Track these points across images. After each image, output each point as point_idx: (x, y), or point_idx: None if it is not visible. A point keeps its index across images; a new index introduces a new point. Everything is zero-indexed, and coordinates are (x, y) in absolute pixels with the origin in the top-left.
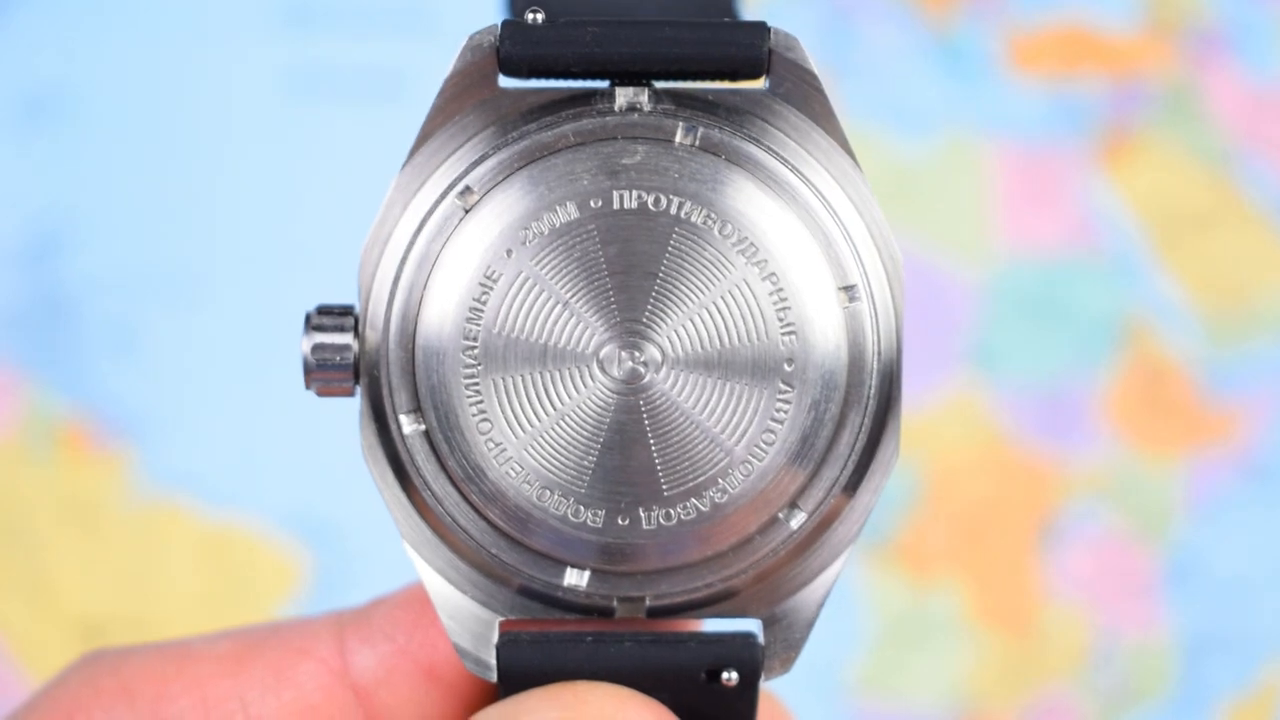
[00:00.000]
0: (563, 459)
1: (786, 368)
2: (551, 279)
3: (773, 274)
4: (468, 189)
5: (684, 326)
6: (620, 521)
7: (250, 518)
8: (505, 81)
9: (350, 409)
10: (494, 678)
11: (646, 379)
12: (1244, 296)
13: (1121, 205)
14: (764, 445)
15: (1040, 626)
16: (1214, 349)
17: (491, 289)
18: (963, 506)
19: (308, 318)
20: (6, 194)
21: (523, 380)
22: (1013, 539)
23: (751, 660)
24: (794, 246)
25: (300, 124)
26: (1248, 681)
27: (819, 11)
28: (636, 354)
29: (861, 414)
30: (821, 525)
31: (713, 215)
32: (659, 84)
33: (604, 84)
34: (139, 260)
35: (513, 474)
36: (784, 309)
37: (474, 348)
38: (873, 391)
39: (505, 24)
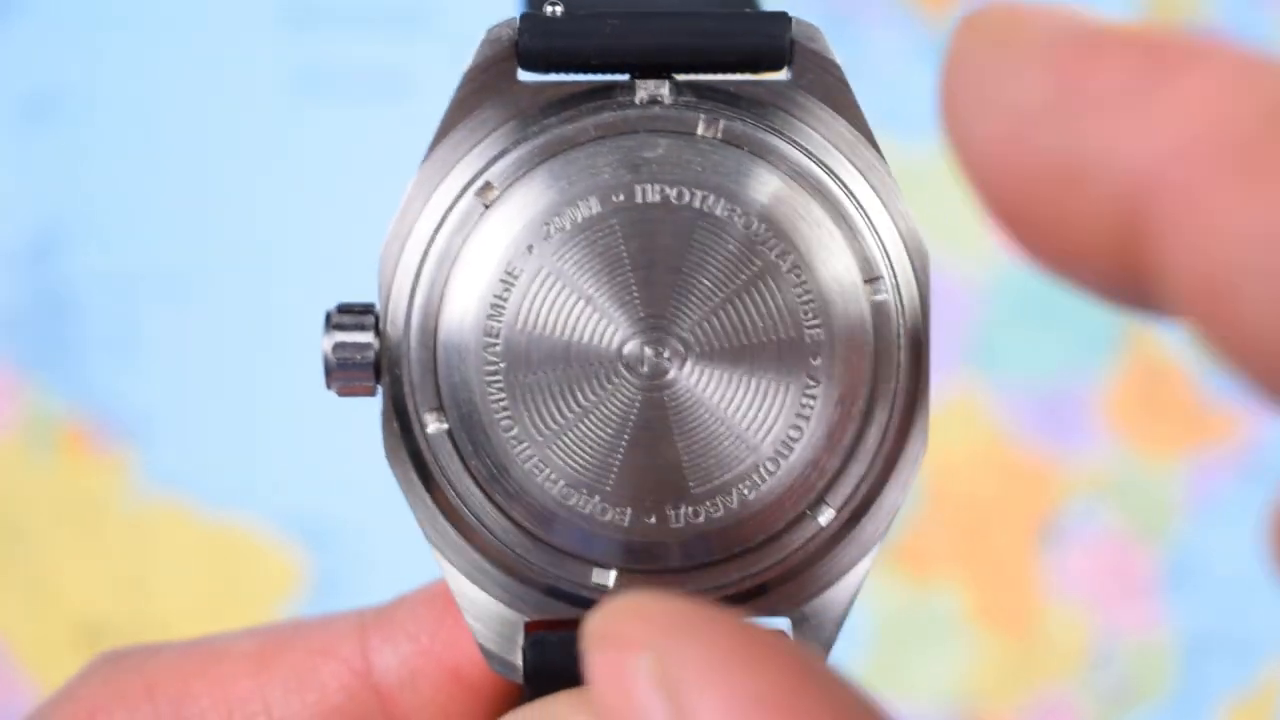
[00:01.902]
0: (587, 456)
1: (813, 362)
2: (574, 274)
3: (797, 267)
4: (488, 184)
5: (708, 321)
6: (647, 520)
7: (251, 519)
8: (524, 75)
9: (352, 412)
10: (520, 679)
11: (671, 374)
12: None
13: None
14: (791, 441)
15: (1040, 626)
16: None
17: (513, 285)
18: (963, 506)
19: (328, 316)
20: (6, 194)
21: (546, 378)
22: (1013, 539)
23: None
24: (818, 239)
25: (301, 123)
26: (1248, 681)
27: (818, 11)
28: (661, 349)
29: (889, 409)
30: (850, 522)
31: (736, 208)
32: (680, 76)
33: (625, 77)
34: (139, 260)
35: (537, 472)
36: (809, 302)
37: (496, 345)
38: (900, 386)
39: (524, 17)
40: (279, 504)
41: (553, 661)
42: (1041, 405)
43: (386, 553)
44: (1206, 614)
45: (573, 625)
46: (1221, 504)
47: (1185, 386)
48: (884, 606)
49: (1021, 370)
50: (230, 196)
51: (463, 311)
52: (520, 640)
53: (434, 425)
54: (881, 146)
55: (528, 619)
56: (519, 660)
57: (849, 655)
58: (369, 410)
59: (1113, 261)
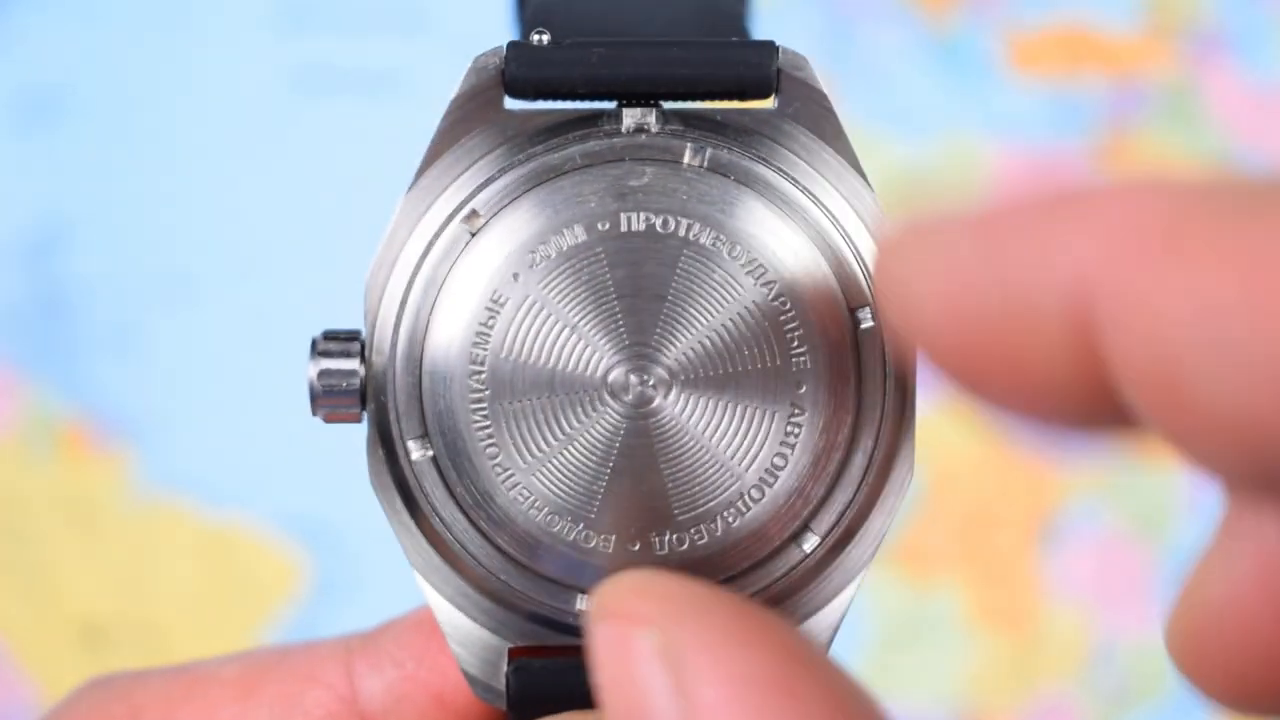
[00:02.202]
0: (572, 484)
1: (798, 390)
2: (559, 303)
3: (783, 295)
4: (474, 212)
5: (693, 349)
6: (631, 547)
7: (251, 519)
8: (511, 104)
9: None
10: (504, 705)
11: (656, 403)
12: None
13: None
14: (775, 469)
15: (1040, 626)
16: None
17: (498, 313)
18: (963, 507)
19: (314, 343)
20: (6, 194)
21: (531, 405)
22: (1013, 539)
23: None
24: (804, 267)
25: (300, 123)
26: None
27: (818, 12)
28: (645, 378)
29: (874, 436)
30: (835, 549)
31: (722, 237)
32: (667, 105)
33: (612, 105)
34: (139, 260)
35: (521, 499)
36: (794, 331)
37: (481, 372)
38: (886, 413)
39: (510, 46)
40: (279, 504)
41: (536, 687)
42: None
43: (386, 553)
44: None
45: (556, 651)
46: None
47: None
48: (884, 606)
49: None
50: (230, 196)
51: (448, 339)
52: (504, 666)
53: (419, 452)
54: (881, 148)
55: (511, 645)
56: (503, 686)
57: (849, 655)
58: None
59: (1074, 380)
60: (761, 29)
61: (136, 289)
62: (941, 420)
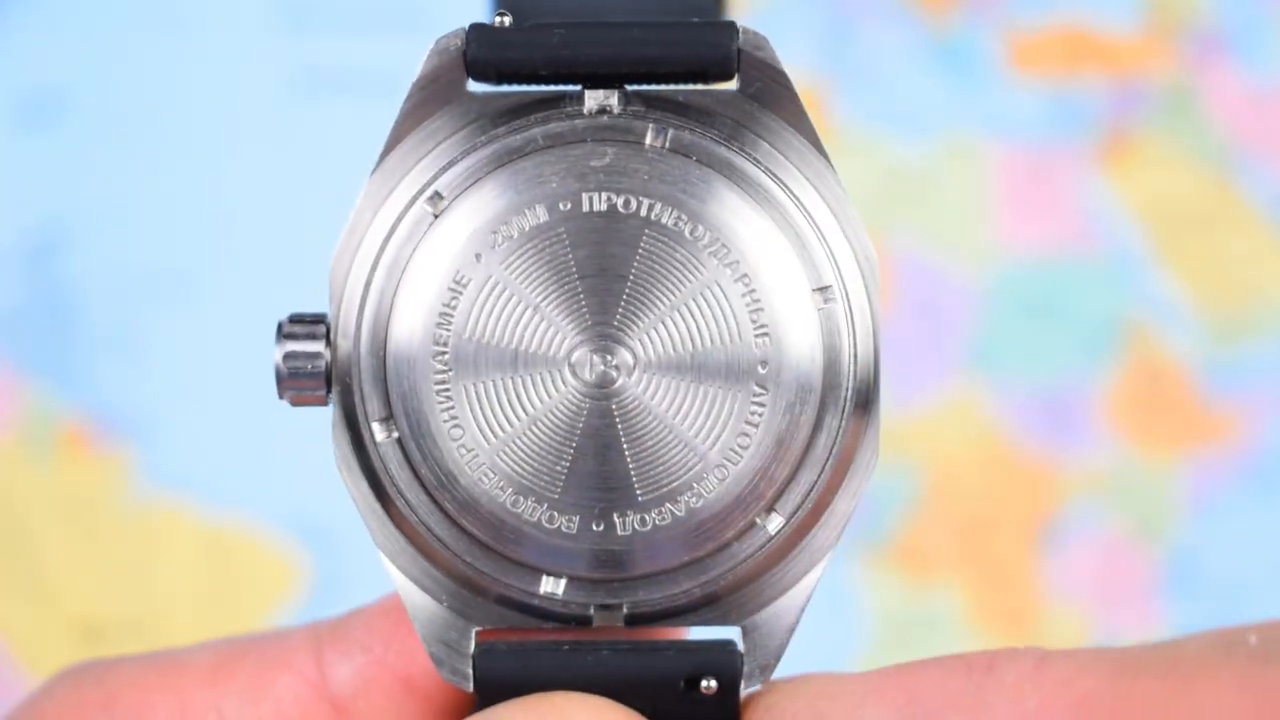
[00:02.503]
0: (536, 465)
1: (760, 370)
2: (521, 283)
3: (745, 275)
4: (437, 194)
5: (656, 329)
6: (595, 528)
7: (250, 519)
8: (474, 86)
9: None
10: (471, 688)
11: (619, 383)
12: (1244, 296)
13: (1121, 205)
14: (739, 449)
15: (1040, 627)
16: (1214, 349)
17: (461, 294)
18: (963, 506)
19: (280, 326)
20: (7, 194)
21: (494, 385)
22: (1013, 539)
23: (731, 668)
24: (767, 247)
25: (300, 124)
26: None
27: (819, 12)
28: (608, 358)
29: (839, 417)
30: (800, 530)
31: (683, 217)
32: (629, 86)
33: (575, 87)
34: (139, 260)
35: (485, 480)
36: (757, 311)
37: (444, 353)
38: (850, 394)
39: (472, 27)
40: (279, 504)
41: (502, 669)
42: (1041, 405)
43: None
44: (1206, 614)
45: (522, 633)
46: (1221, 504)
47: (1185, 386)
48: (884, 606)
49: (1021, 370)
50: (230, 197)
51: (412, 320)
52: (470, 648)
53: (383, 434)
54: (881, 148)
55: (478, 627)
56: (469, 668)
57: (850, 655)
58: None
59: None
60: (762, 29)
61: (136, 290)
62: (941, 420)
